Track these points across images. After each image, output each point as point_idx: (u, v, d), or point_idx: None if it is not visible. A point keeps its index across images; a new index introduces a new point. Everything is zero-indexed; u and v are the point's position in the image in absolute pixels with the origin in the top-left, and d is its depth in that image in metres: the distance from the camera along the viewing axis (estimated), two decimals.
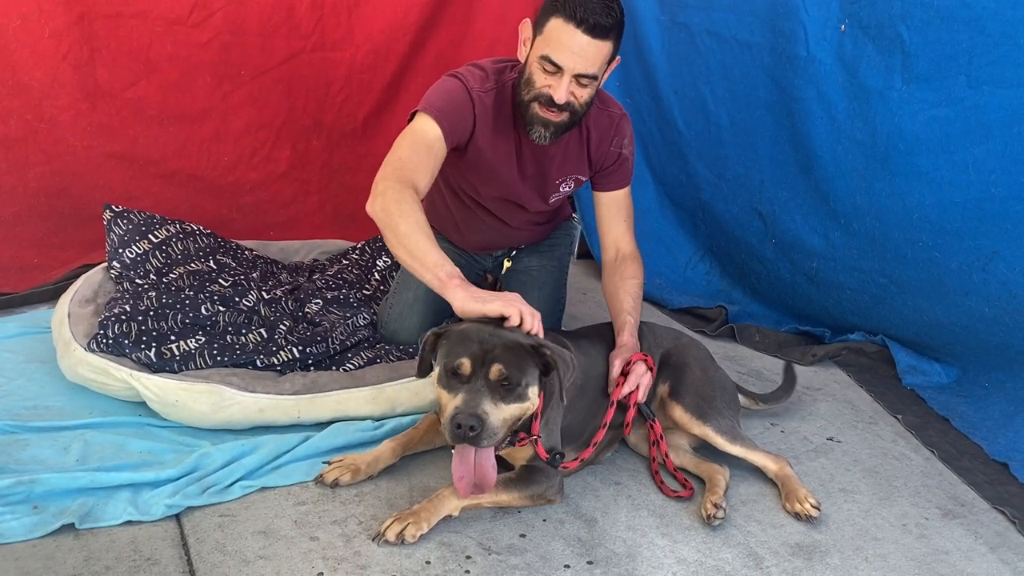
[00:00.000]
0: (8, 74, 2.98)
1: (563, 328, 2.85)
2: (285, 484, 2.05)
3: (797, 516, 2.09)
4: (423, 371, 1.98)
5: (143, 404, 2.29)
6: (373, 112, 3.63)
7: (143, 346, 2.33)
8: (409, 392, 2.37)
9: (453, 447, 1.85)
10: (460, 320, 1.99)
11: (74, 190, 3.17)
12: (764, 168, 3.24)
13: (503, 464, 2.12)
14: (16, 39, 2.95)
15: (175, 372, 2.30)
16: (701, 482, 2.22)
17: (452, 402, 1.82)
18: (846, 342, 3.14)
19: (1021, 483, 2.33)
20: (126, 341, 2.34)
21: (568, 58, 2.12)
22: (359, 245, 3.34)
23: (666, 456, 2.26)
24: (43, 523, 1.80)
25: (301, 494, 2.03)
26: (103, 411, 2.29)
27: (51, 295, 2.92)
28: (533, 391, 1.88)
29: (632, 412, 2.23)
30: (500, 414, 1.82)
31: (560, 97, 2.16)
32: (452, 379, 1.85)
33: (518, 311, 1.91)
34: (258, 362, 2.41)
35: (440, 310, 2.71)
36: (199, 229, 3.04)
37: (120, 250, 2.83)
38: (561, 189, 2.55)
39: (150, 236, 2.88)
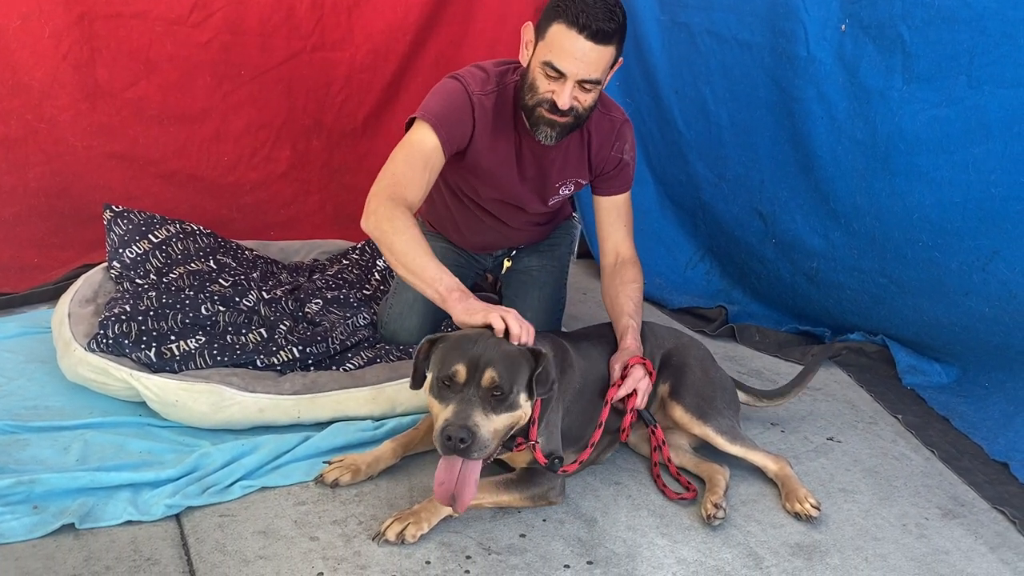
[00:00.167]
0: (8, 74, 2.98)
1: (563, 328, 2.85)
2: (285, 484, 2.05)
3: (797, 516, 2.09)
4: (417, 381, 1.98)
5: (143, 404, 2.29)
6: (373, 112, 3.63)
7: (143, 346, 2.33)
8: (409, 392, 2.35)
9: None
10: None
11: (74, 190, 3.17)
12: (764, 168, 3.24)
13: (503, 465, 2.12)
14: (16, 39, 2.95)
15: (175, 372, 2.30)
16: (701, 482, 2.21)
17: (443, 413, 1.80)
18: (846, 342, 3.14)
19: (1021, 483, 2.33)
20: (126, 341, 2.34)
21: (571, 64, 2.11)
22: (359, 245, 3.34)
23: (668, 461, 2.26)
24: (43, 523, 1.80)
25: (301, 494, 2.03)
26: (103, 411, 2.29)
27: (51, 295, 2.93)
28: (524, 398, 1.87)
29: (629, 417, 2.22)
30: (491, 425, 1.80)
31: (564, 103, 2.15)
32: (444, 389, 1.83)
33: (500, 318, 1.90)
34: (258, 362, 2.41)
35: (440, 311, 2.70)
36: (199, 229, 3.04)
37: (120, 250, 2.83)
38: (561, 192, 2.55)
39: (150, 236, 2.88)
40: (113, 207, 2.91)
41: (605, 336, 2.40)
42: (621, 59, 2.26)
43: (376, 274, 3.18)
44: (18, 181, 3.07)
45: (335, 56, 3.49)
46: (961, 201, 2.58)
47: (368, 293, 3.05)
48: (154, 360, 2.31)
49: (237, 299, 2.70)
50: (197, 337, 2.42)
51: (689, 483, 2.21)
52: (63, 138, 3.12)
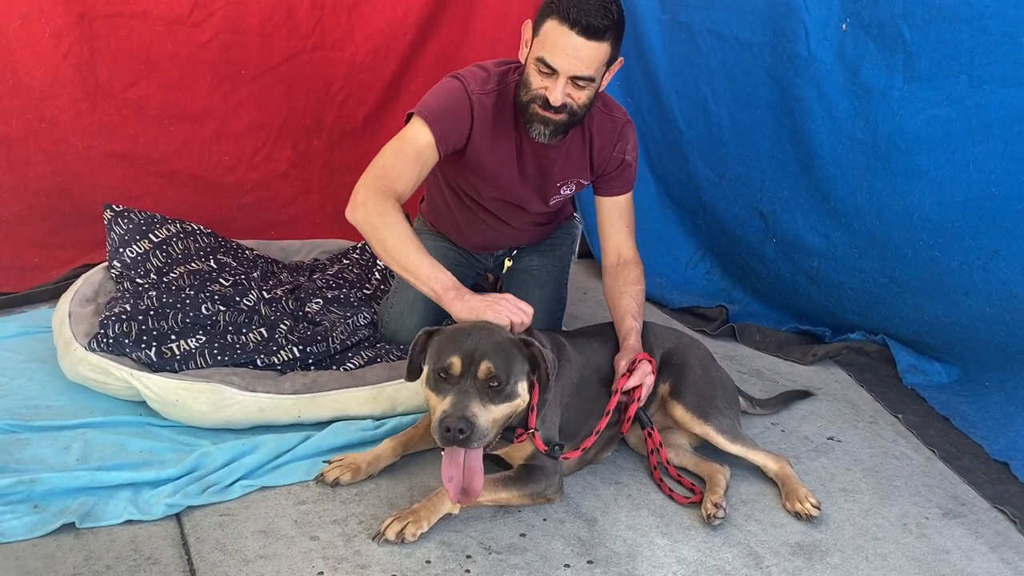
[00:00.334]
0: (8, 74, 2.98)
1: (563, 328, 2.85)
2: (285, 483, 2.06)
3: (797, 515, 2.09)
4: (413, 374, 1.99)
5: (143, 404, 2.29)
6: (373, 111, 3.63)
7: (143, 345, 2.34)
8: (409, 391, 2.37)
9: (443, 450, 1.85)
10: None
11: (75, 190, 3.17)
12: (765, 167, 3.24)
13: (501, 463, 2.12)
14: (16, 39, 2.96)
15: (175, 371, 2.30)
16: (701, 481, 2.21)
17: (440, 405, 1.82)
18: (847, 341, 3.14)
19: (1022, 482, 2.32)
20: (127, 340, 2.34)
21: (562, 60, 2.11)
22: (359, 244, 3.34)
23: (667, 464, 2.26)
24: (43, 522, 1.80)
25: (301, 493, 2.03)
26: (103, 410, 2.29)
27: (52, 295, 2.93)
28: (522, 387, 1.88)
29: (634, 407, 2.22)
30: (489, 415, 1.81)
31: (556, 99, 2.16)
32: (440, 381, 1.85)
33: (507, 319, 1.96)
34: (258, 361, 2.41)
35: (440, 310, 2.70)
36: (200, 229, 3.04)
37: (121, 249, 2.83)
38: (562, 192, 2.55)
39: (151, 236, 2.88)
40: (113, 207, 2.92)
41: (604, 335, 2.40)
42: (621, 59, 2.25)
43: (376, 273, 3.18)
44: (19, 181, 3.08)
45: (335, 56, 3.49)
46: (962, 200, 2.58)
47: (368, 292, 3.05)
48: (154, 359, 2.32)
49: (237, 298, 2.70)
50: (197, 337, 2.42)
51: (693, 485, 2.20)
52: (64, 138, 3.12)
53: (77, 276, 2.84)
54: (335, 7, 3.41)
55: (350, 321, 2.72)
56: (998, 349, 2.68)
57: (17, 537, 1.77)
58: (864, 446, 2.52)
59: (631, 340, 2.31)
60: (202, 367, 2.34)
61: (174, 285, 2.73)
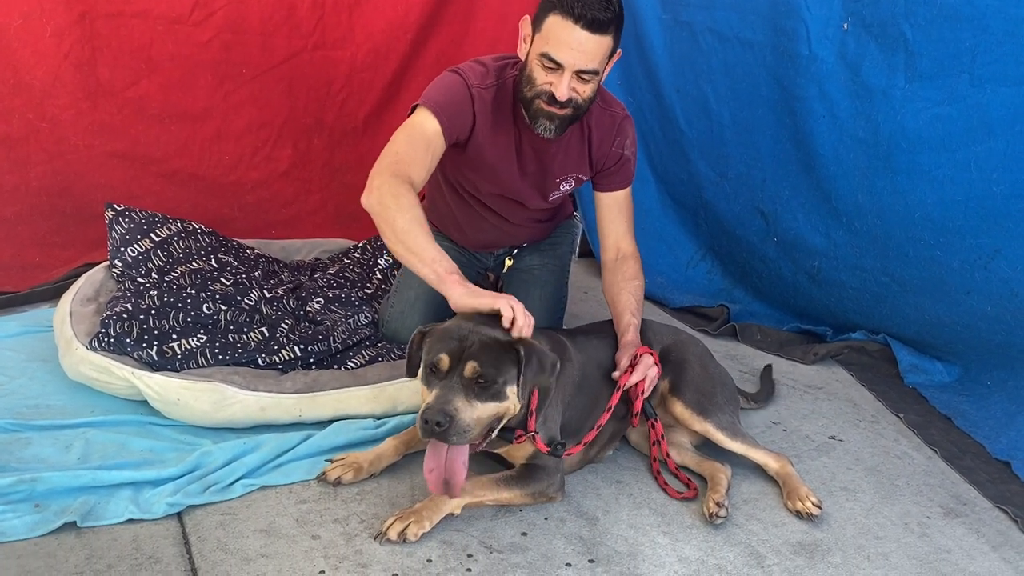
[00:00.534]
0: (9, 73, 2.98)
1: (564, 327, 2.85)
2: (287, 482, 2.05)
3: (799, 515, 2.09)
4: (412, 370, 1.99)
5: (145, 403, 2.29)
6: (374, 111, 3.63)
7: (145, 345, 2.34)
8: (410, 390, 2.37)
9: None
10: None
11: (76, 189, 3.17)
12: (766, 167, 3.24)
13: (503, 462, 2.12)
14: (17, 38, 2.95)
15: (177, 371, 2.30)
16: (703, 480, 2.21)
17: (427, 398, 1.84)
18: (848, 341, 3.14)
19: (1023, 482, 2.32)
20: (128, 340, 2.34)
21: (568, 55, 2.11)
22: (360, 244, 3.34)
23: (667, 456, 2.26)
24: (45, 521, 1.80)
25: (303, 492, 2.03)
26: (105, 410, 2.29)
27: (53, 294, 2.92)
28: (511, 389, 1.87)
29: (639, 402, 2.22)
30: (473, 412, 1.81)
31: (562, 94, 2.16)
32: (431, 376, 1.86)
33: (510, 306, 1.91)
34: (260, 361, 2.41)
35: (441, 309, 2.69)
36: (200, 228, 3.04)
37: (122, 249, 2.83)
38: (561, 187, 2.55)
39: (152, 235, 2.88)
40: (115, 206, 2.92)
41: (604, 332, 2.40)
42: (620, 51, 2.25)
43: (377, 273, 3.18)
44: (20, 180, 3.07)
45: (336, 55, 3.48)
46: (963, 199, 2.58)
47: (369, 292, 3.05)
48: (156, 359, 2.32)
49: (239, 298, 2.70)
50: (199, 336, 2.42)
51: (689, 480, 2.20)
52: (64, 137, 3.11)
53: (78, 275, 2.83)
54: (336, 6, 3.41)
55: (351, 320, 2.72)
56: (999, 348, 2.68)
57: (18, 536, 1.77)
58: (865, 445, 2.51)
59: (629, 336, 2.31)
60: (203, 366, 2.34)
61: (175, 284, 2.73)
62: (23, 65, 2.99)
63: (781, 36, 2.96)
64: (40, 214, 3.13)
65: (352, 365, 2.51)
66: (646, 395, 2.24)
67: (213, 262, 2.92)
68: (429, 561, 1.82)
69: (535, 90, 2.20)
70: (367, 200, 2.09)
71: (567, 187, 2.56)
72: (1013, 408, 2.58)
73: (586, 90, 2.21)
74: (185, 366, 2.32)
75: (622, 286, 2.44)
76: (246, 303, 2.70)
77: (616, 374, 2.24)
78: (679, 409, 2.28)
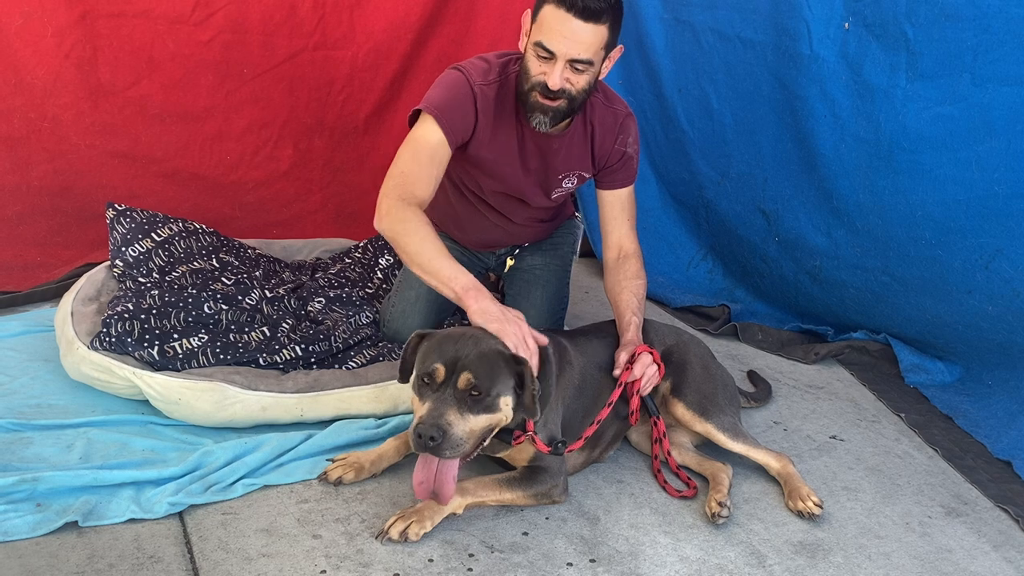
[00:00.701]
0: (10, 73, 2.98)
1: (565, 327, 2.85)
2: (288, 482, 2.06)
3: (800, 514, 2.09)
4: (404, 374, 1.99)
5: (146, 402, 2.29)
6: (375, 111, 3.63)
7: (146, 344, 2.34)
8: (411, 391, 2.37)
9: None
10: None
11: (77, 189, 3.17)
12: (767, 166, 3.23)
13: (506, 465, 2.12)
14: (19, 38, 2.96)
15: (178, 370, 2.30)
16: (704, 480, 2.21)
17: (419, 411, 1.83)
18: (849, 340, 3.13)
19: None
20: (129, 339, 2.34)
21: (560, 43, 2.12)
22: (361, 243, 3.34)
23: (668, 454, 2.26)
24: (46, 521, 1.80)
25: (304, 492, 2.03)
26: (106, 409, 2.29)
27: (54, 294, 2.93)
28: (505, 401, 1.87)
29: (636, 400, 2.22)
30: (466, 425, 1.81)
31: (554, 83, 2.16)
32: (424, 386, 1.85)
33: (513, 342, 1.92)
34: (261, 360, 2.41)
35: (442, 309, 2.71)
36: (202, 228, 3.04)
37: (123, 248, 2.83)
38: (564, 185, 2.55)
39: (153, 235, 2.89)
40: (116, 206, 2.92)
41: (605, 333, 2.40)
42: (621, 47, 2.26)
43: (378, 272, 3.18)
44: (21, 180, 3.08)
45: (337, 55, 3.48)
46: (964, 199, 2.58)
47: (371, 292, 3.05)
48: (157, 358, 2.32)
49: (240, 297, 2.70)
50: (200, 335, 2.43)
51: (689, 479, 2.20)
52: (65, 137, 3.12)
53: (79, 275, 2.84)
54: (336, 6, 3.41)
55: (352, 320, 2.72)
56: (1001, 348, 2.68)
57: (20, 536, 1.77)
58: (867, 445, 2.51)
59: (630, 334, 2.31)
60: (204, 366, 2.34)
61: (176, 284, 2.73)
62: (24, 65, 2.99)
63: (782, 35, 2.96)
64: (41, 214, 3.13)
65: (353, 365, 2.51)
66: (645, 393, 2.23)
67: (214, 262, 2.92)
68: (430, 561, 1.82)
69: (531, 82, 2.21)
70: (379, 225, 2.15)
71: (570, 184, 2.56)
72: (1014, 408, 2.57)
73: (580, 81, 2.20)
74: (186, 366, 2.33)
75: (624, 285, 2.44)
76: (247, 303, 2.70)
77: (616, 372, 2.24)
78: (680, 410, 2.28)
